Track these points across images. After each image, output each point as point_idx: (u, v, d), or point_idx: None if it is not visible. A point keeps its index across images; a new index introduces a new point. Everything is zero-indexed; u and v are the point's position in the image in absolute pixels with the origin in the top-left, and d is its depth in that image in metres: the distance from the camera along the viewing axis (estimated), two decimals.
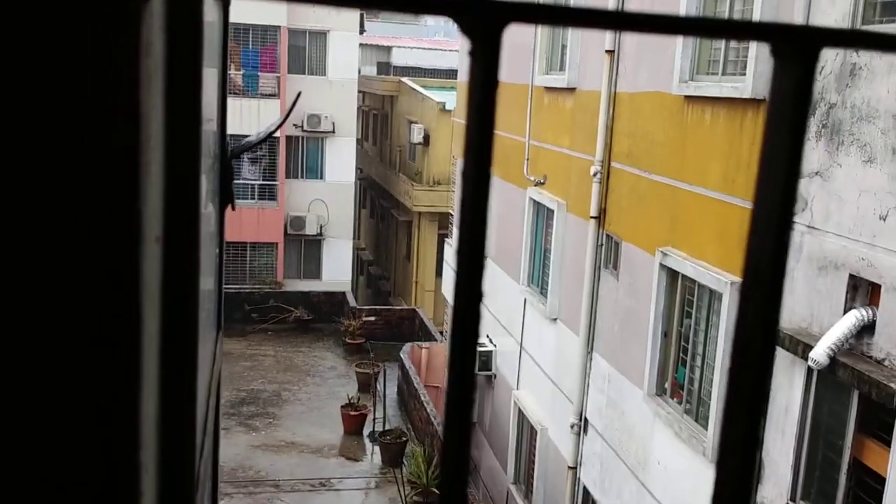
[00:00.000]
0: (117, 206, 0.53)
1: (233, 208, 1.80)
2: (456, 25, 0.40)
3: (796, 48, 0.45)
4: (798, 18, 6.96)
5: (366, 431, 18.02)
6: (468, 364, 0.42)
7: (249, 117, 25.15)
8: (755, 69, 7.51)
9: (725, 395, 0.47)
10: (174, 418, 0.78)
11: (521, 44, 13.62)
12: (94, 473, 0.56)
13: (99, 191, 0.52)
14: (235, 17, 24.33)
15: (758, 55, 7.49)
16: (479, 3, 0.39)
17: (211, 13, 1.45)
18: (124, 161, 0.52)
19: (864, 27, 6.41)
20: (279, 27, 25.75)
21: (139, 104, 0.52)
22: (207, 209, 1.44)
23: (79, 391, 0.54)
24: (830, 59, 6.63)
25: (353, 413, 17.94)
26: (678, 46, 8.79)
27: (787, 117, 0.45)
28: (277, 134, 25.55)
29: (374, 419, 17.76)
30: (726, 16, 8.29)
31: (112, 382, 0.55)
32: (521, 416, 13.47)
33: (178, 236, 0.74)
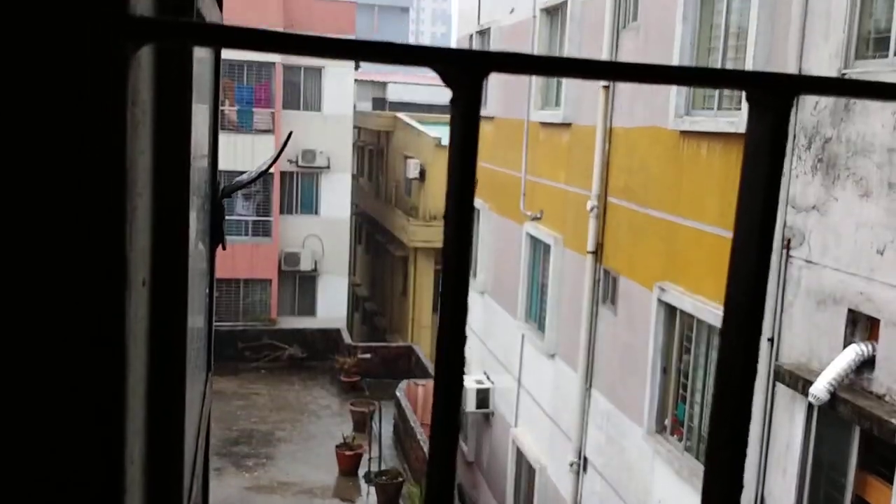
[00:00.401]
0: (102, 251, 0.53)
1: (223, 248, 1.76)
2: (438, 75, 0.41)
3: (770, 95, 0.46)
4: (792, 54, 7.00)
5: (361, 472, 17.79)
6: (453, 403, 0.43)
7: (244, 153, 25.22)
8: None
9: (711, 415, 0.50)
10: (162, 461, 0.76)
11: (516, 79, 13.71)
12: None
13: (84, 236, 0.52)
14: (230, 53, 24.54)
15: None
16: (459, 53, 0.41)
17: (202, 51, 1.43)
18: (110, 207, 0.53)
19: (858, 62, 6.44)
20: (274, 63, 25.94)
21: (125, 151, 0.53)
22: (198, 248, 1.41)
23: (60, 437, 0.54)
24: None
25: (348, 453, 17.73)
26: None
27: (763, 162, 0.46)
28: (272, 170, 25.60)
29: (369, 459, 17.54)
30: (721, 51, 8.35)
31: (96, 426, 0.55)
32: (520, 454, 13.32)
33: (166, 279, 0.73)
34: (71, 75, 0.49)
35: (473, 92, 0.41)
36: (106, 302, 0.53)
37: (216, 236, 1.73)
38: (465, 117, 0.41)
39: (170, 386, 0.78)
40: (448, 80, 0.41)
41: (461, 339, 0.43)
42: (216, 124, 1.83)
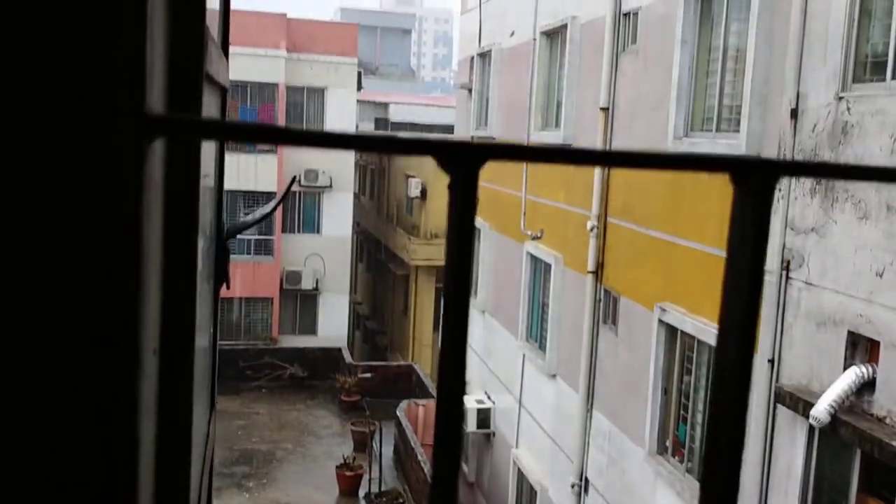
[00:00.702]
0: (116, 329, 0.55)
1: (227, 287, 1.78)
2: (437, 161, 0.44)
3: (753, 179, 0.48)
4: (789, 77, 7.05)
5: (361, 493, 17.71)
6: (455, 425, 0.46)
7: (247, 173, 25.30)
8: (749, 126, 7.58)
9: (707, 432, 0.52)
10: None
11: (516, 100, 13.79)
12: None
13: (97, 311, 0.54)
14: (234, 74, 24.67)
15: (751, 113, 7.57)
16: (457, 145, 0.43)
17: (208, 105, 1.46)
18: (123, 284, 0.55)
19: (855, 85, 6.48)
20: (277, 84, 26.08)
21: (140, 233, 0.55)
22: (202, 291, 1.44)
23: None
24: (823, 117, 6.69)
25: (348, 473, 17.66)
26: (672, 103, 8.90)
27: (749, 241, 0.48)
28: (274, 188, 25.67)
29: (369, 479, 17.47)
30: (719, 74, 8.40)
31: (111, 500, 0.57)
32: (521, 475, 13.26)
33: (175, 344, 0.76)
34: (89, 169, 0.53)
35: (470, 179, 0.43)
36: (119, 375, 0.56)
37: (220, 277, 1.75)
38: (462, 202, 0.43)
39: (175, 455, 0.81)
40: (446, 168, 0.43)
41: (461, 382, 0.46)
42: (222, 162, 1.86)
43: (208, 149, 1.50)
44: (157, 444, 0.74)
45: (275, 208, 2.66)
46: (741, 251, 0.49)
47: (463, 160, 0.43)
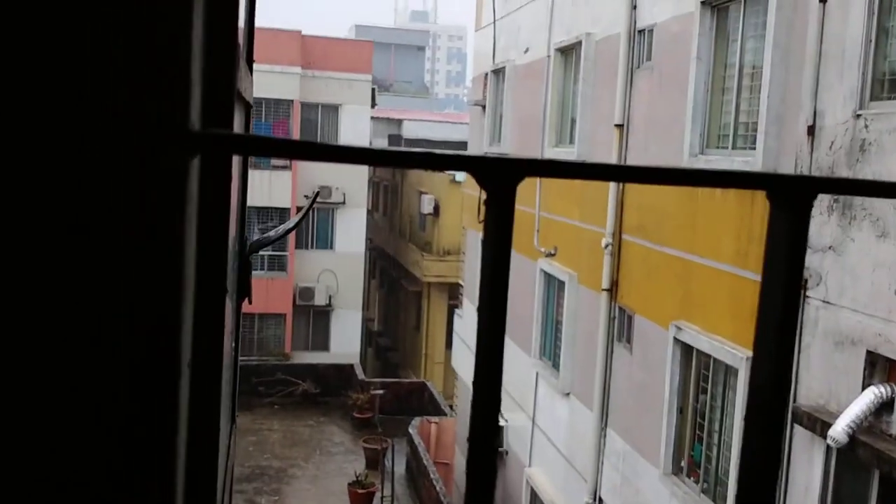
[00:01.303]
0: (158, 340, 0.56)
1: (250, 302, 1.77)
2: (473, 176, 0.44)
3: (791, 195, 0.48)
4: (806, 94, 7.01)
5: None
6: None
7: (261, 189, 25.41)
8: (765, 143, 7.54)
9: (740, 460, 0.51)
10: None
11: (530, 116, 13.80)
12: None
13: (144, 326, 0.56)
14: None
15: (767, 130, 7.53)
16: (495, 161, 0.43)
17: (239, 118, 1.46)
18: (169, 300, 0.56)
19: (873, 103, 6.44)
20: (292, 101, 26.23)
21: (183, 249, 0.57)
22: (227, 305, 1.44)
23: None
24: (840, 134, 6.65)
25: (360, 491, 17.58)
26: (687, 120, 8.87)
27: (783, 259, 0.48)
28: (288, 205, 25.77)
29: (381, 497, 17.39)
30: (735, 91, 8.37)
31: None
32: (534, 494, 13.16)
33: (204, 360, 0.77)
34: (137, 184, 0.54)
35: (508, 194, 0.44)
36: (160, 387, 0.57)
37: (243, 290, 1.75)
38: (500, 218, 0.44)
39: (204, 469, 0.81)
40: (483, 184, 0.43)
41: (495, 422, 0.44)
42: (245, 179, 1.86)
43: (234, 165, 1.50)
44: (186, 458, 0.73)
45: (298, 223, 2.66)
46: (777, 268, 0.48)
47: (500, 175, 0.42)
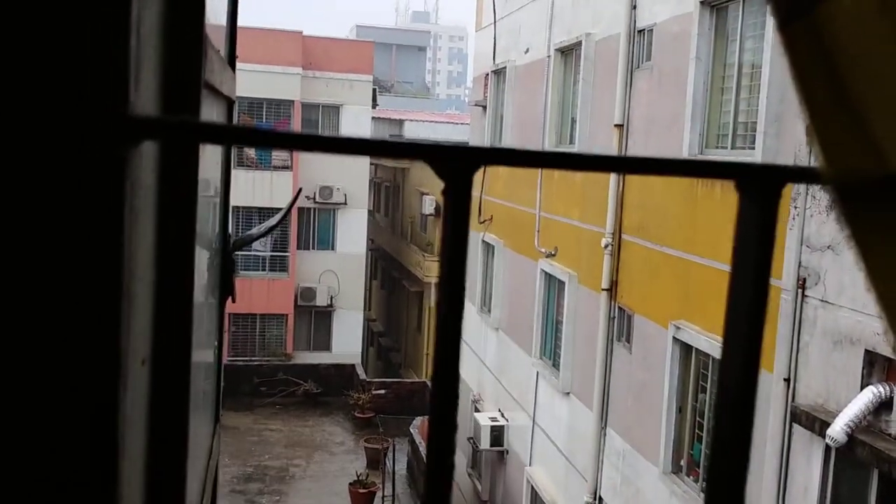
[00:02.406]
0: (97, 338, 0.54)
1: (233, 300, 1.78)
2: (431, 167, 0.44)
3: (759, 185, 0.48)
4: None
5: None
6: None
7: (262, 189, 25.43)
8: (764, 142, 7.55)
9: (710, 455, 0.50)
10: None
11: (531, 117, 13.81)
12: None
13: (79, 320, 0.54)
14: (250, 91, 24.90)
15: (766, 129, 7.54)
16: (451, 149, 0.43)
17: (216, 117, 1.46)
18: (104, 296, 0.54)
19: None
20: (293, 101, 26.25)
21: (122, 238, 0.54)
22: (208, 303, 1.43)
23: None
24: None
25: (361, 490, 17.60)
26: (686, 120, 8.88)
27: (753, 249, 0.48)
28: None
29: (383, 497, 17.40)
30: (734, 91, 8.38)
31: None
32: (534, 493, 13.17)
33: (168, 354, 0.75)
34: (70, 173, 0.51)
35: (464, 184, 0.43)
36: (100, 388, 0.54)
37: (226, 290, 1.75)
38: (457, 207, 0.43)
39: (170, 457, 0.80)
40: (440, 173, 0.43)
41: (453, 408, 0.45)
42: (228, 176, 1.87)
43: (213, 162, 1.50)
44: (148, 456, 0.73)
45: (280, 221, 2.67)
46: (746, 259, 0.48)
47: (457, 164, 0.42)
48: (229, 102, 1.71)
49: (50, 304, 0.53)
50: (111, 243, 0.53)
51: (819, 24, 0.45)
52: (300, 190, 3.68)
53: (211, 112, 1.32)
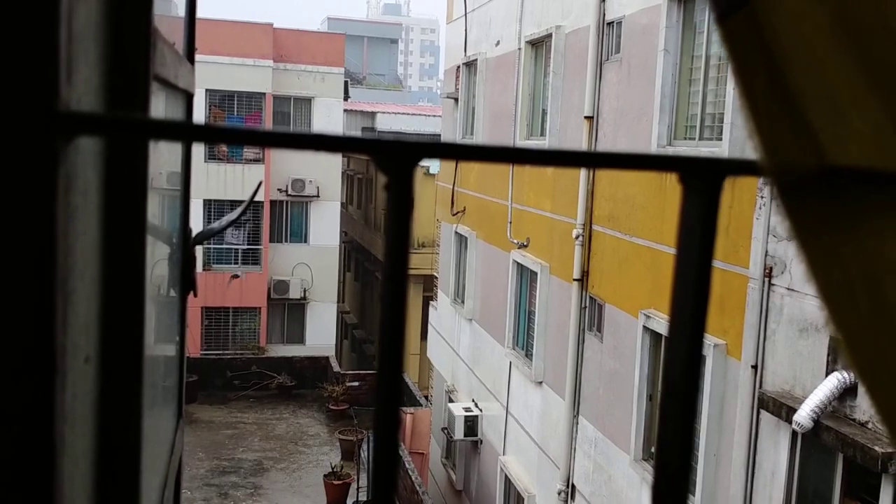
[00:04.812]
0: (27, 330, 0.53)
1: (195, 295, 1.79)
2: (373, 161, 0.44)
3: (701, 178, 0.49)
4: None
5: (349, 501, 17.66)
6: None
7: (234, 182, 25.26)
8: (731, 133, 7.65)
9: (657, 440, 0.51)
10: None
11: (502, 109, 13.85)
12: None
13: (10, 325, 0.52)
14: (221, 83, 24.70)
15: (733, 121, 7.64)
16: (391, 143, 0.43)
17: (173, 111, 1.46)
18: (35, 291, 0.53)
19: None
20: (264, 94, 26.07)
21: (54, 235, 0.53)
22: (167, 298, 1.43)
23: None
24: None
25: (336, 482, 17.61)
26: (655, 112, 8.96)
27: (696, 240, 0.49)
28: (262, 199, 25.65)
29: (357, 488, 17.43)
30: (702, 82, 8.47)
31: None
32: (508, 482, 13.27)
33: (117, 350, 0.75)
34: None
35: (406, 178, 0.43)
36: (32, 383, 0.53)
37: (187, 284, 1.76)
38: (399, 201, 0.43)
39: (123, 457, 0.78)
40: (382, 168, 0.43)
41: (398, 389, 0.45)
42: (188, 167, 1.87)
43: (173, 155, 1.50)
44: (98, 454, 0.73)
45: (241, 214, 2.68)
46: (689, 250, 0.49)
47: (397, 159, 0.43)
48: (187, 96, 1.71)
49: None
50: (41, 238, 0.52)
51: (758, 16, 0.45)
52: (260, 183, 3.69)
53: (166, 106, 1.32)
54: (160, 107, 1.22)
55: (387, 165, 0.43)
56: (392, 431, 0.45)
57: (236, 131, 0.43)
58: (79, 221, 0.62)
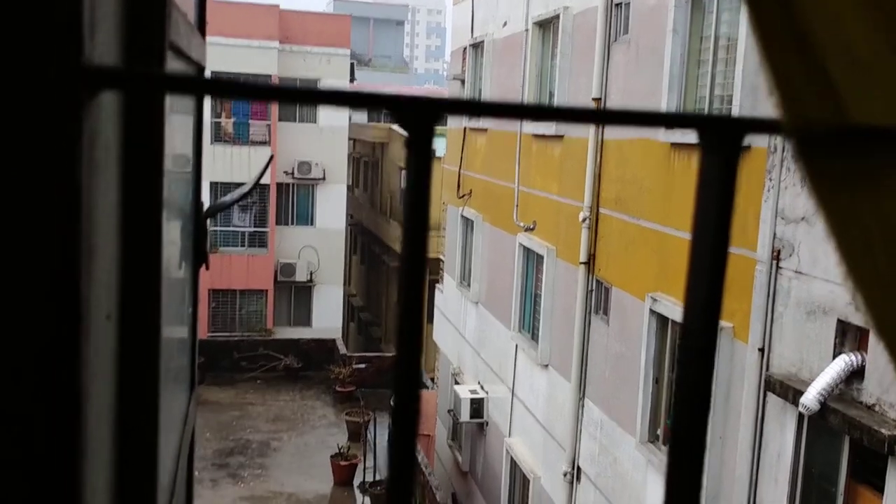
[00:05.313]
0: (57, 290, 0.54)
1: (206, 268, 1.79)
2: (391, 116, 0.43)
3: (721, 137, 0.48)
4: None
5: (356, 482, 17.77)
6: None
7: (240, 164, 25.26)
8: (740, 114, 7.58)
9: (673, 405, 0.51)
10: (132, 496, 0.77)
11: (509, 90, 13.79)
12: None
13: (35, 280, 0.53)
14: (227, 66, 24.62)
15: (742, 102, 7.59)
16: (412, 99, 0.43)
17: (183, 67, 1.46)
18: (63, 248, 0.53)
19: None
20: (270, 76, 26.00)
21: (79, 198, 0.54)
22: (180, 269, 1.43)
23: (16, 481, 0.54)
24: None
25: (343, 463, 17.71)
26: (663, 93, 8.91)
27: (715, 200, 0.48)
28: (268, 181, 25.65)
29: (364, 469, 17.53)
30: (710, 63, 8.42)
31: (53, 467, 0.55)
32: (514, 464, 13.32)
33: (136, 311, 0.75)
34: (22, 124, 0.51)
35: (426, 134, 0.43)
36: (59, 345, 0.54)
37: (199, 256, 1.76)
38: (419, 156, 0.43)
39: (141, 419, 0.80)
40: (403, 123, 0.43)
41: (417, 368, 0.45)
42: (200, 141, 1.87)
43: (184, 128, 1.50)
44: (117, 408, 0.74)
45: (253, 187, 2.68)
46: (707, 211, 0.48)
47: (418, 115, 0.43)
48: (199, 69, 1.71)
49: (9, 251, 0.53)
50: (67, 190, 0.53)
51: None
52: (272, 156, 3.69)
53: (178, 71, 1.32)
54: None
55: (408, 122, 0.43)
56: (412, 402, 0.45)
57: (251, 86, 0.43)
58: (101, 178, 0.62)
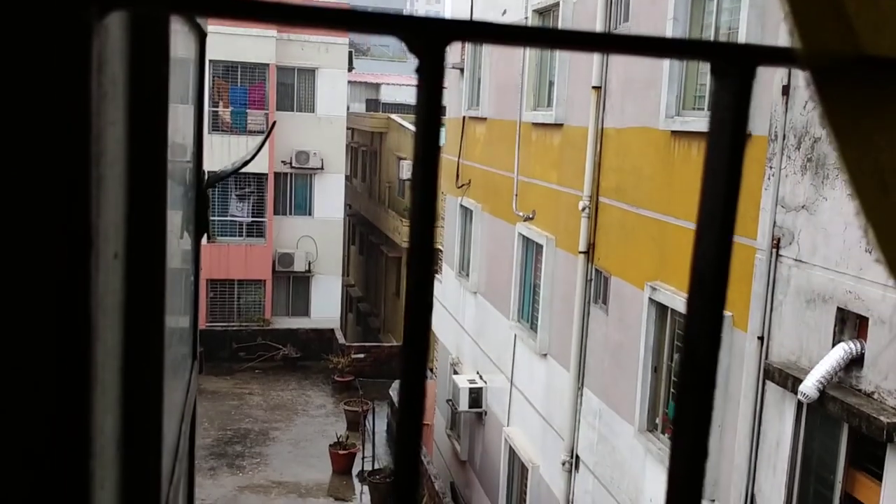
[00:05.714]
0: (67, 219, 0.53)
1: (209, 238, 1.78)
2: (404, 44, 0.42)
3: (734, 65, 0.47)
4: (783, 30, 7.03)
5: (355, 471, 17.80)
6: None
7: (238, 154, 25.16)
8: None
9: (678, 384, 0.50)
10: (138, 433, 0.77)
11: (509, 80, 13.75)
12: (43, 483, 0.54)
13: (46, 202, 0.53)
14: (224, 54, 24.55)
15: None
16: (422, 21, 0.42)
17: (186, 49, 1.45)
18: (71, 174, 0.53)
19: None
20: (268, 65, 25.92)
21: (89, 119, 0.53)
22: (183, 238, 1.42)
23: (25, 407, 0.54)
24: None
25: (341, 452, 17.74)
26: (664, 82, 8.89)
27: (727, 133, 0.47)
28: (266, 171, 25.59)
29: (363, 458, 17.56)
30: (713, 25, 8.37)
31: (62, 396, 0.55)
32: (512, 453, 13.34)
33: (141, 253, 0.74)
34: (31, 43, 0.50)
35: (437, 59, 0.42)
36: (71, 271, 0.54)
37: (201, 225, 1.75)
38: (429, 80, 0.42)
39: (147, 359, 0.79)
40: (412, 48, 0.42)
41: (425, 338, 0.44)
42: (201, 116, 1.86)
43: (185, 111, 1.48)
44: (125, 346, 0.73)
45: (255, 155, 2.67)
46: (720, 140, 0.48)
47: (429, 38, 0.41)
48: (202, 36, 1.70)
49: (20, 172, 0.52)
50: (77, 110, 0.52)
51: None
52: (274, 123, 3.67)
53: (185, 42, 1.30)
54: (177, 40, 1.20)
55: (418, 45, 0.41)
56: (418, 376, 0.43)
57: (257, 4, 0.41)
58: (109, 109, 0.62)
